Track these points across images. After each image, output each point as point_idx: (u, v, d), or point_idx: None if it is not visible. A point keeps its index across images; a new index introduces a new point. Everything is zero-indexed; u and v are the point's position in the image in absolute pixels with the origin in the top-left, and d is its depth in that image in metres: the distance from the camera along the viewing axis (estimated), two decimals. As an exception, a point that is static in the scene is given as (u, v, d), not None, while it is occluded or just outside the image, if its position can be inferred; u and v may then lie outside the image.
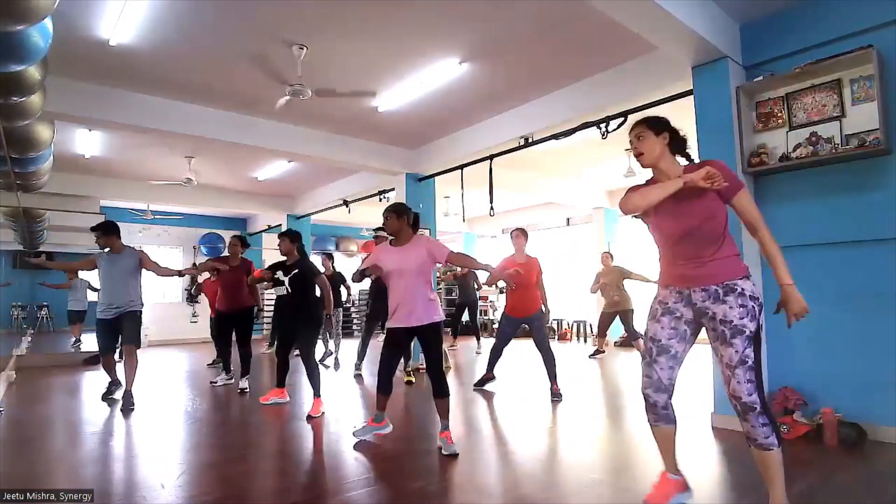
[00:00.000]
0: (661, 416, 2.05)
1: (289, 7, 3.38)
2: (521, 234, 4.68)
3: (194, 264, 8.68)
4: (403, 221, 3.08)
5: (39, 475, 2.69)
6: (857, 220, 3.03)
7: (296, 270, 4.03)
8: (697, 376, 5.05)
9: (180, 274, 4.68)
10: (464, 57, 4.07)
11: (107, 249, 4.41)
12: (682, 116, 4.24)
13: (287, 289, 4.01)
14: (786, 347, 3.32)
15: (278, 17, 3.48)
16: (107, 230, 4.39)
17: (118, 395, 4.39)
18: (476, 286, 8.39)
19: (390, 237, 3.14)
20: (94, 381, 5.65)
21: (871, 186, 3.00)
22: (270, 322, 8.04)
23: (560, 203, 9.23)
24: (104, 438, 3.39)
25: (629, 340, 7.03)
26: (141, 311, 4.46)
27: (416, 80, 4.46)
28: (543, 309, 4.67)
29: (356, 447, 3.08)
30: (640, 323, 6.65)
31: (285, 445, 3.31)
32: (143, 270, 4.47)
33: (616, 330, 8.88)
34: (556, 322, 10.36)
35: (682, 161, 2.11)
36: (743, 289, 1.86)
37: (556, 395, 4.35)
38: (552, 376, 4.45)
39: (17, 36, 2.46)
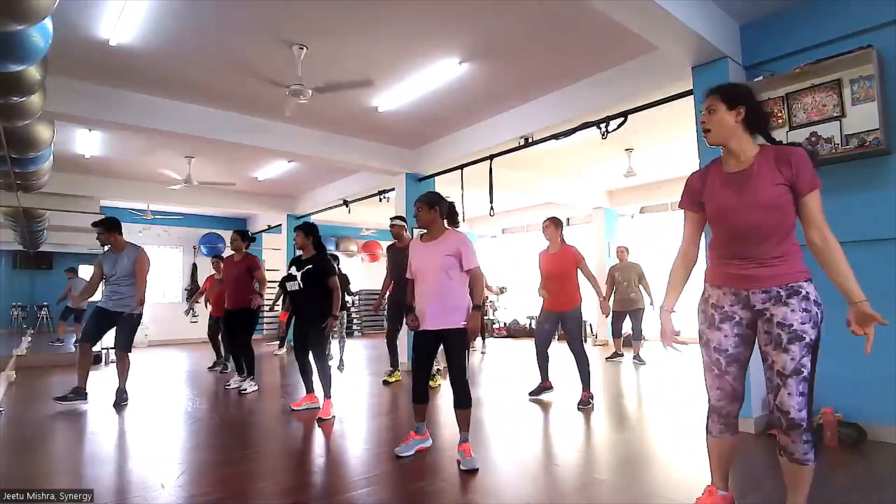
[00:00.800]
0: (728, 426, 1.92)
1: (289, 7, 3.38)
2: (550, 223, 4.28)
3: (194, 265, 8.64)
4: (435, 213, 2.85)
5: (39, 475, 2.69)
6: (857, 220, 3.03)
7: (309, 266, 3.86)
8: (698, 376, 5.05)
9: (138, 303, 4.28)
10: (464, 57, 4.07)
11: (107, 247, 4.32)
12: (682, 116, 4.28)
13: (299, 284, 3.83)
14: (786, 347, 3.32)
15: (278, 17, 3.48)
16: (108, 226, 4.29)
17: (80, 404, 4.14)
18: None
19: (422, 230, 2.93)
20: (94, 381, 5.64)
21: (871, 186, 3.00)
22: (276, 322, 7.96)
23: (560, 203, 9.23)
24: (104, 438, 3.39)
25: (630, 340, 6.79)
26: (139, 315, 4.34)
27: (416, 80, 4.46)
28: (649, 301, 4.43)
29: (356, 447, 3.08)
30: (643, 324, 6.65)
31: (285, 445, 3.30)
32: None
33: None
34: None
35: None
36: (808, 292, 1.69)
37: (585, 403, 3.98)
38: (585, 382, 4.07)
39: (17, 36, 2.46)
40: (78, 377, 4.20)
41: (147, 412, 4.15)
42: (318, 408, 3.93)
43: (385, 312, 5.89)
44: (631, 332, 6.68)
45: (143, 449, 3.19)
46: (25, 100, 3.20)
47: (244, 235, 5.04)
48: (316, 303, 3.87)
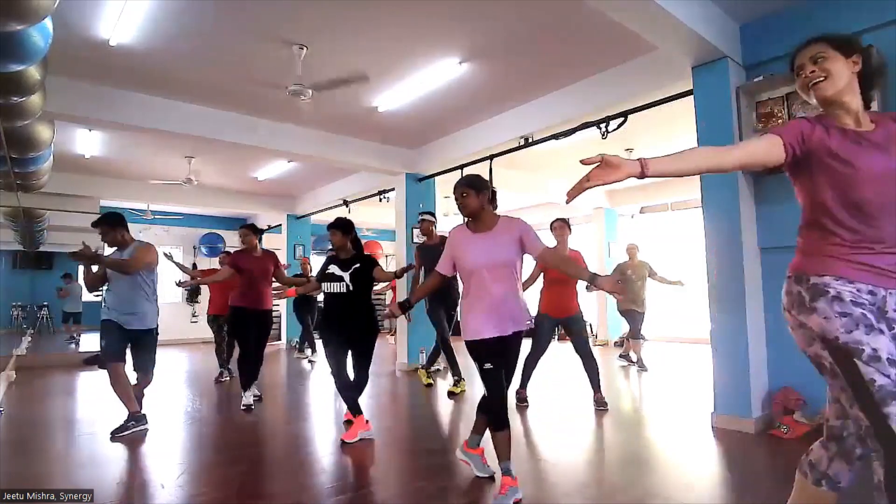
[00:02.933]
0: None
1: (289, 7, 3.38)
2: (564, 225, 4.12)
3: (194, 265, 8.63)
4: (484, 198, 2.38)
5: (39, 475, 2.69)
6: (857, 220, 3.03)
7: (357, 265, 3.35)
8: (697, 376, 5.06)
9: (131, 263, 3.49)
10: (464, 57, 4.07)
11: (114, 249, 3.65)
12: (683, 116, 4.27)
13: (349, 286, 3.31)
14: (786, 347, 3.32)
15: (278, 17, 3.48)
16: (112, 223, 3.58)
17: (138, 427, 3.48)
18: None
19: (466, 219, 2.47)
20: (94, 381, 5.64)
21: (871, 186, 2.99)
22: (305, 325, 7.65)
23: (560, 203, 9.22)
24: (104, 438, 3.39)
25: (628, 338, 6.53)
26: (156, 330, 3.71)
27: (416, 80, 4.46)
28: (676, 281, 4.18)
29: (356, 447, 3.07)
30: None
31: (286, 445, 3.30)
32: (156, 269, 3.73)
33: (615, 329, 8.91)
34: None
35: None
36: None
37: (600, 405, 3.93)
38: (595, 385, 4.01)
39: (17, 36, 2.46)
40: (126, 404, 3.48)
41: (147, 412, 4.15)
42: (372, 437, 3.29)
43: (419, 315, 5.53)
44: (629, 332, 6.55)
45: (143, 449, 3.19)
46: (25, 100, 3.21)
47: (255, 228, 4.48)
48: (369, 310, 3.40)
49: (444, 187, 7.04)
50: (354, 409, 3.28)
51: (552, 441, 3.33)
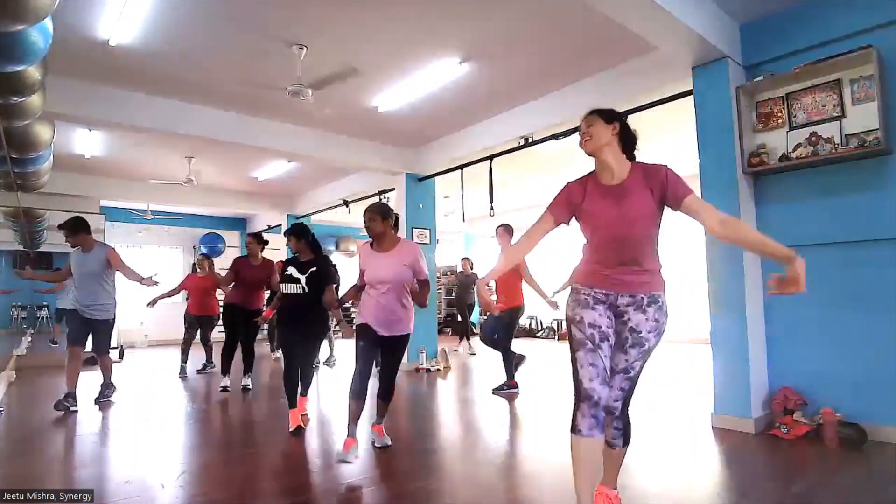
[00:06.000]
0: (599, 420, 1.80)
1: (289, 7, 3.38)
2: (504, 231, 4.77)
3: (194, 266, 8.64)
4: (388, 224, 2.92)
5: (39, 475, 2.69)
6: (857, 220, 3.03)
7: (313, 269, 3.56)
8: (697, 376, 5.06)
9: (141, 281, 4.24)
10: (464, 57, 4.07)
11: (76, 249, 4.21)
12: (682, 116, 4.27)
13: (303, 288, 3.53)
14: (786, 347, 3.33)
15: (278, 17, 3.48)
16: (74, 228, 4.13)
17: (74, 408, 4.02)
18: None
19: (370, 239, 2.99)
20: (94, 381, 5.64)
21: (871, 186, 3.00)
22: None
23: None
24: (104, 438, 3.39)
25: None
26: (113, 318, 4.30)
27: (417, 80, 4.46)
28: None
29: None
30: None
31: (285, 445, 3.30)
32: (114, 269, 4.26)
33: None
34: (555, 322, 10.37)
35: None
36: (663, 302, 1.85)
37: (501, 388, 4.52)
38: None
39: (17, 36, 2.46)
40: (68, 383, 4.08)
41: (147, 412, 4.16)
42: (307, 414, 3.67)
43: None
44: None
45: (143, 449, 3.19)
46: (25, 100, 3.20)
47: (259, 238, 5.02)
48: (319, 308, 3.60)
49: (444, 187, 7.06)
50: (300, 394, 3.61)
51: (550, 441, 3.33)
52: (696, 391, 4.40)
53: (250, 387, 4.90)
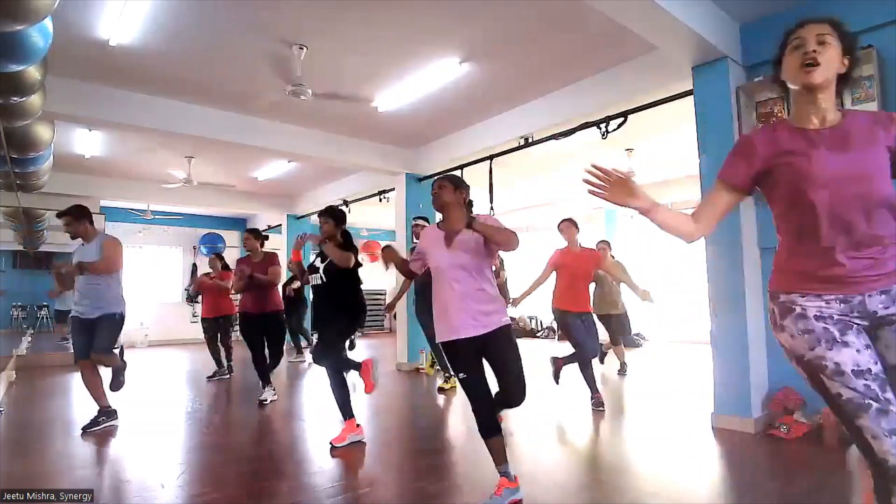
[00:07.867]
0: None
1: (289, 7, 3.38)
2: (569, 224, 4.17)
3: (194, 266, 8.62)
4: (460, 196, 2.32)
5: (39, 475, 2.68)
6: (858, 220, 3.02)
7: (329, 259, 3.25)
8: (697, 376, 5.06)
9: (102, 267, 3.60)
10: (464, 57, 4.07)
11: (79, 240, 3.77)
12: (683, 116, 4.27)
13: (321, 278, 3.22)
14: (786, 347, 3.32)
15: (278, 17, 3.48)
16: (78, 215, 3.70)
17: (114, 422, 3.64)
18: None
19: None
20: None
21: (871, 186, 2.99)
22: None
23: (560, 203, 9.22)
24: (104, 438, 3.39)
25: (610, 346, 6.06)
26: (120, 315, 3.68)
27: (416, 80, 4.46)
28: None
29: (356, 447, 3.07)
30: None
31: (286, 446, 3.30)
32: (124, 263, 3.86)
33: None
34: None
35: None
36: None
37: (598, 405, 3.93)
38: (592, 385, 4.01)
39: (17, 36, 2.46)
40: (95, 398, 3.64)
41: (147, 412, 4.15)
42: (363, 440, 3.17)
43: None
44: (609, 339, 5.98)
45: (143, 449, 3.19)
46: (25, 100, 3.21)
47: (257, 233, 4.65)
48: (336, 299, 3.26)
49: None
50: (347, 413, 3.13)
51: (551, 441, 3.33)
52: (696, 391, 4.39)
53: (267, 401, 4.32)
